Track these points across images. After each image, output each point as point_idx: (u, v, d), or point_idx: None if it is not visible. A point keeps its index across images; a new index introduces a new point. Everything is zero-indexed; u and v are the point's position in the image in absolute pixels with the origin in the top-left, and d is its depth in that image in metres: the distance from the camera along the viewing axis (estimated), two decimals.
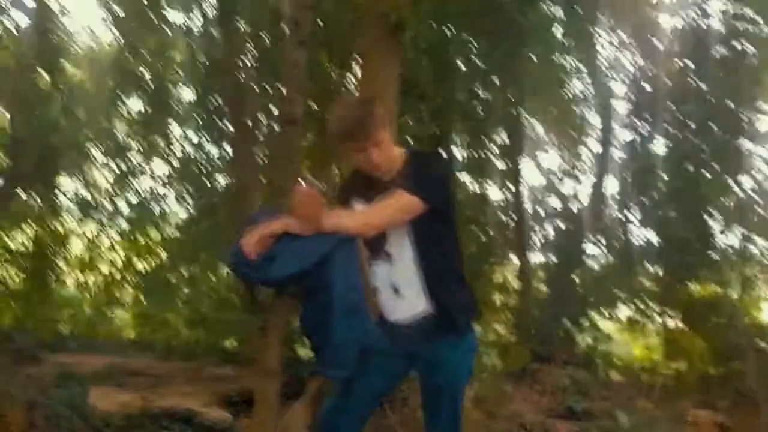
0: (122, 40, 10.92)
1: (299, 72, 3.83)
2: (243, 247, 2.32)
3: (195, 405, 4.87)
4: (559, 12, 8.98)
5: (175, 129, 11.24)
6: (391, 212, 2.37)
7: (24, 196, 10.49)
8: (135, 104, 11.17)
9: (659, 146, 9.95)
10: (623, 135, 10.39)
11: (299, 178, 2.51)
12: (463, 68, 8.17)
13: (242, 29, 8.95)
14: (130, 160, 11.36)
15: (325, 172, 6.90)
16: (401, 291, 2.48)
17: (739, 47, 8.95)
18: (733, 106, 9.12)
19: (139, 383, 5.41)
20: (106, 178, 11.39)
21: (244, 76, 8.43)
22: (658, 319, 9.68)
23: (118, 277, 11.01)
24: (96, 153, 11.28)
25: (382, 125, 2.38)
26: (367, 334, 2.40)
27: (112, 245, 11.20)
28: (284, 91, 3.89)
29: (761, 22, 8.79)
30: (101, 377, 5.34)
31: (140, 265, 11.07)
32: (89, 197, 11.06)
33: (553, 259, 10.09)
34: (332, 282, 2.33)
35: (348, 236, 2.34)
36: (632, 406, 6.37)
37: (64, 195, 11.01)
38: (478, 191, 10.27)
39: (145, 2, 10.20)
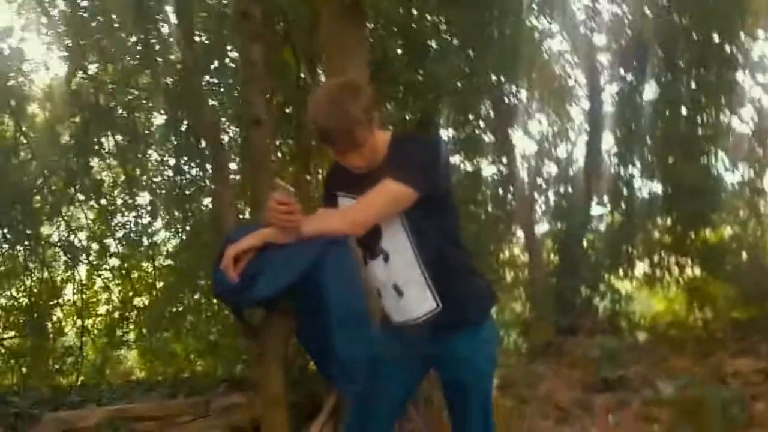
0: (81, 73, 10.46)
1: (257, 70, 3.47)
2: (223, 271, 2.15)
3: None
4: None
5: (152, 155, 10.91)
6: (379, 205, 2.16)
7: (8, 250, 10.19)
8: (106, 137, 10.84)
9: (650, 93, 9.56)
10: (611, 88, 10.00)
11: (274, 184, 2.10)
12: (434, 44, 7.87)
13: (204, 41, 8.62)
14: (111, 195, 11.04)
15: (311, 176, 6.58)
16: (404, 290, 2.30)
17: None
18: (719, 39, 8.77)
19: (146, 429, 5.06)
20: (87, 218, 10.98)
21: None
22: (676, 271, 9.30)
23: (116, 315, 10.63)
24: (74, 193, 10.83)
25: (366, 122, 2.13)
26: (372, 344, 2.26)
27: (106, 285, 10.82)
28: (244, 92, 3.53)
29: None
30: (106, 430, 4.99)
31: (138, 300, 10.70)
32: (74, 240, 10.63)
33: (560, 226, 9.71)
34: (326, 291, 2.16)
35: (337, 238, 2.16)
36: (668, 367, 6.03)
37: (49, 242, 10.59)
38: (471, 169, 9.97)
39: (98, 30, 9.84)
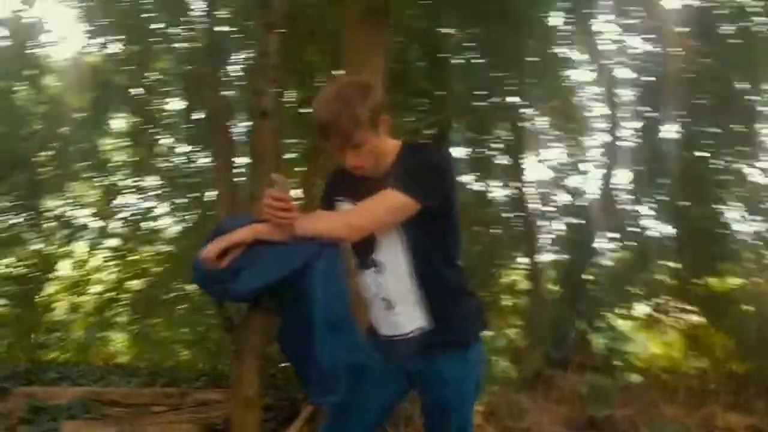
0: (104, 51, 10.41)
1: (270, 61, 3.37)
2: (202, 259, 2.14)
3: None
4: None
5: (163, 140, 10.84)
6: (377, 213, 2.12)
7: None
8: (120, 117, 10.79)
9: (669, 133, 9.39)
10: (631, 123, 9.84)
11: (272, 179, 2.16)
12: (455, 59, 7.78)
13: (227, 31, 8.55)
14: (118, 175, 10.98)
15: (320, 178, 6.48)
16: (394, 305, 2.27)
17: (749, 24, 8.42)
18: (743, 87, 8.63)
19: (117, 415, 4.94)
20: (93, 195, 10.92)
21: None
22: (678, 315, 9.12)
23: (108, 296, 10.53)
24: (81, 169, 10.77)
25: (368, 122, 2.08)
26: (355, 354, 2.18)
27: (102, 264, 10.72)
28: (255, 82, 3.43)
29: None
30: (76, 409, 4.86)
31: (132, 284, 10.60)
32: (76, 216, 10.57)
33: (564, 257, 9.55)
34: (312, 294, 2.11)
35: (330, 242, 2.11)
36: (657, 413, 5.87)
37: (50, 215, 10.53)
38: (481, 189, 9.86)
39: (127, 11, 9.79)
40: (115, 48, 10.33)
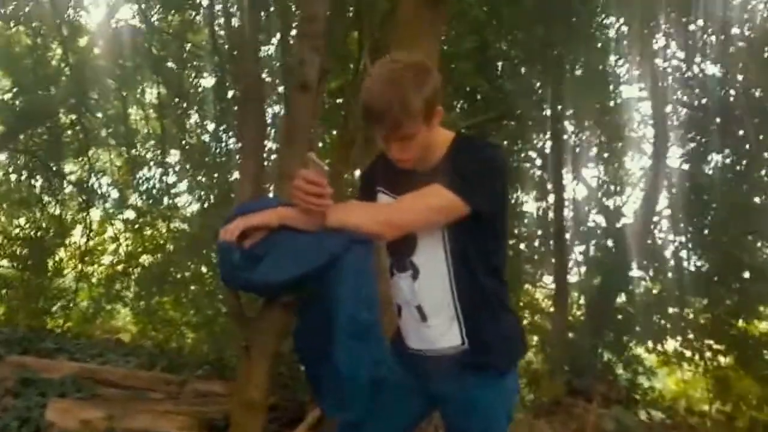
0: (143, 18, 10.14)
1: (316, 27, 3.01)
2: (221, 239, 1.97)
3: (170, 428, 4.07)
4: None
5: (193, 116, 10.58)
6: (421, 211, 1.91)
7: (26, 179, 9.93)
8: (151, 88, 10.56)
9: (717, 162, 8.95)
10: (676, 149, 9.41)
11: (306, 159, 1.90)
12: (504, 61, 7.41)
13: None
14: (142, 147, 10.75)
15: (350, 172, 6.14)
16: (428, 316, 2.04)
17: None
18: None
19: (110, 396, 4.61)
20: (114, 164, 10.68)
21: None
22: (708, 355, 8.67)
23: (119, 268, 10.28)
24: (106, 136, 10.54)
25: (421, 113, 1.84)
26: (379, 365, 1.99)
27: (116, 236, 10.47)
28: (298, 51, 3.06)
29: None
30: (67, 386, 4.55)
31: (145, 259, 10.33)
32: (95, 183, 10.32)
33: (593, 281, 9.12)
34: (339, 294, 1.91)
35: (362, 237, 1.91)
36: None
37: (69, 180, 10.31)
38: (513, 201, 9.47)
39: None
40: (153, 15, 10.17)
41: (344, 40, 6.25)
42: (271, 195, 3.89)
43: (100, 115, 10.45)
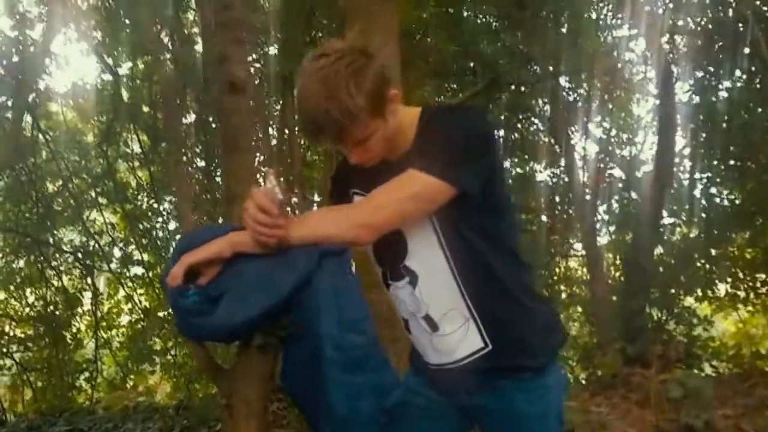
0: (111, 70, 9.87)
1: (236, 15, 2.56)
2: (168, 282, 1.69)
3: None
4: None
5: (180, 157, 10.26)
6: (396, 203, 1.63)
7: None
8: (131, 137, 10.25)
9: (728, 89, 8.39)
10: (686, 80, 8.85)
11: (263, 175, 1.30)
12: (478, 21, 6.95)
13: None
14: (136, 199, 10.44)
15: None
16: (439, 324, 1.76)
17: None
18: None
19: None
20: (110, 223, 10.39)
21: None
22: (763, 291, 8.11)
23: (139, 327, 9.99)
24: (96, 197, 10.25)
25: (369, 111, 1.57)
26: (383, 392, 1.81)
27: (129, 295, 10.16)
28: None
29: None
30: None
31: (163, 312, 10.01)
32: (94, 246, 10.02)
33: (625, 237, 8.59)
34: (318, 322, 1.72)
35: (335, 248, 1.77)
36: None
37: (66, 249, 10.02)
38: (524, 172, 9.02)
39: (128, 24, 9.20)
40: (124, 67, 9.92)
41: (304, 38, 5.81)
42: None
43: (85, 176, 10.14)
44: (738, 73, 8.31)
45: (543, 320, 1.83)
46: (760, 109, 7.82)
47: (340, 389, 1.75)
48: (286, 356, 1.94)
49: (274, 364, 2.30)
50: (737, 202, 8.41)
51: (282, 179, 1.48)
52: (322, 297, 1.72)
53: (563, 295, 9.71)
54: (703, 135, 8.62)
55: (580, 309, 8.83)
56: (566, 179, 8.95)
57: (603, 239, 9.51)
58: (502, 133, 8.69)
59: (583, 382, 6.62)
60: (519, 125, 8.82)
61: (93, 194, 10.10)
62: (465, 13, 6.81)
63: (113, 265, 10.19)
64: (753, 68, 8.01)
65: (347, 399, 1.75)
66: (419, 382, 1.89)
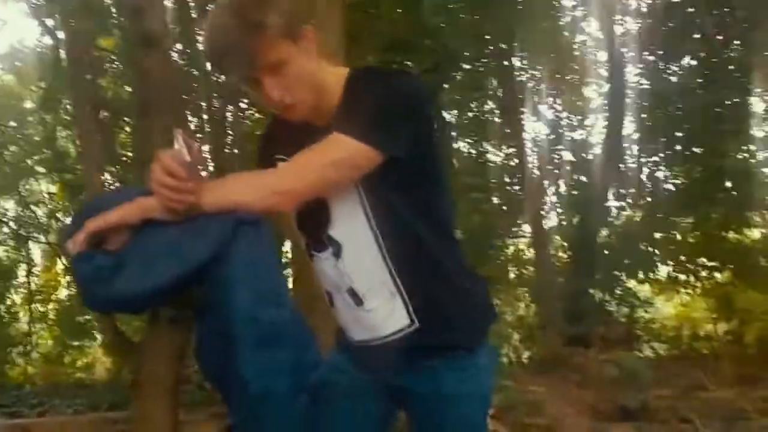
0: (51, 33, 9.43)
1: None
2: (69, 249, 1.55)
3: None
4: None
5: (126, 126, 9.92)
6: (318, 169, 1.54)
7: None
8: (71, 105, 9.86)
9: (679, 71, 8.44)
10: (634, 65, 8.90)
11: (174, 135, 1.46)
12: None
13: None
14: (76, 169, 10.08)
15: None
16: (364, 298, 1.66)
17: None
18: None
19: None
20: (49, 193, 10.03)
21: None
22: (703, 274, 8.23)
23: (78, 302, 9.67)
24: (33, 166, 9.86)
25: (281, 32, 1.46)
26: (304, 370, 1.66)
27: (67, 267, 9.83)
28: None
29: None
30: None
31: None
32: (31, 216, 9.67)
33: (572, 220, 8.64)
34: (230, 295, 1.55)
35: (251, 216, 1.56)
36: (703, 395, 4.98)
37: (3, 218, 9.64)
38: (475, 153, 8.96)
39: None
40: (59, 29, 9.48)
41: None
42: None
43: (23, 143, 9.74)
44: (687, 58, 8.40)
45: (472, 296, 1.75)
46: (706, 94, 7.85)
47: (253, 366, 1.60)
48: (199, 331, 1.76)
49: (187, 340, 2.17)
50: (682, 187, 8.50)
51: (196, 141, 1.38)
52: (236, 268, 1.57)
53: (511, 275, 9.78)
54: (651, 119, 8.65)
55: (525, 290, 8.83)
56: (516, 160, 8.93)
57: (552, 222, 9.59)
58: (455, 112, 8.62)
59: (526, 362, 6.60)
60: (471, 104, 8.71)
61: (30, 162, 9.74)
62: None
63: (51, 237, 9.86)
64: (702, 53, 8.09)
65: (262, 377, 1.61)
66: (343, 359, 1.80)
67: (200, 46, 8.31)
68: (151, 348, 2.23)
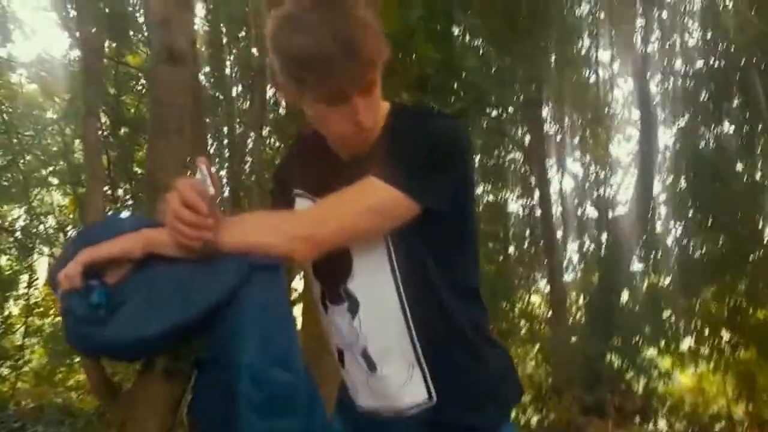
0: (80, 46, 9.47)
1: None
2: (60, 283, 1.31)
3: None
4: None
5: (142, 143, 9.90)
6: (350, 217, 1.38)
7: None
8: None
9: (713, 139, 8.28)
10: (668, 128, 8.77)
11: (198, 165, 1.24)
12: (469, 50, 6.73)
13: None
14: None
15: None
16: (378, 363, 1.49)
17: None
18: None
19: None
20: (60, 206, 9.94)
21: None
22: (727, 350, 7.93)
23: None
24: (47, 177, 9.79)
25: (378, 50, 1.31)
26: None
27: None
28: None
29: None
30: None
31: None
32: (39, 227, 9.54)
33: (592, 279, 8.38)
34: (237, 348, 1.36)
35: (268, 261, 1.38)
36: None
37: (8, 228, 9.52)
38: (495, 201, 8.79)
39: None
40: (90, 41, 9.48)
41: None
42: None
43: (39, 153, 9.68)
44: (726, 124, 8.27)
45: (498, 370, 1.59)
46: (744, 162, 7.68)
47: (256, 424, 1.41)
48: (196, 385, 1.60)
49: (182, 392, 1.97)
50: (709, 256, 8.25)
51: (216, 171, 1.24)
52: (246, 318, 1.40)
53: (522, 331, 9.53)
54: (683, 183, 8.47)
55: (537, 348, 8.55)
56: (538, 212, 8.75)
57: (569, 277, 9.35)
58: (478, 157, 8.48)
59: (535, 427, 6.30)
60: (496, 151, 8.57)
61: (44, 173, 9.65)
62: (455, 31, 6.56)
63: (56, 250, 9.72)
64: (741, 118, 7.95)
65: None
66: (347, 425, 1.64)
67: (228, 70, 8.28)
68: (142, 400, 2.00)
